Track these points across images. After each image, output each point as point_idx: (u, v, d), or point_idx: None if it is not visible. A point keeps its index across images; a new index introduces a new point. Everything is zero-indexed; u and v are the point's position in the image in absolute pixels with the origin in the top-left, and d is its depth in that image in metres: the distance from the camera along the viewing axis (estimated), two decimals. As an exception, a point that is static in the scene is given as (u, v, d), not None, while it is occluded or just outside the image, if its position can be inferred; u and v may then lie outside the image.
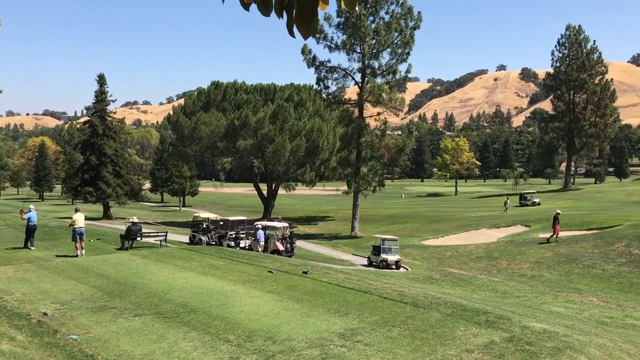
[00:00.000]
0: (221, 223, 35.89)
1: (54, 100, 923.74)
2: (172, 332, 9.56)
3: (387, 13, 44.01)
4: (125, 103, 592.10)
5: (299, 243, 35.65)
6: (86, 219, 21.42)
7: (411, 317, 10.32)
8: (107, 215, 62.13)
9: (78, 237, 19.50)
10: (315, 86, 48.90)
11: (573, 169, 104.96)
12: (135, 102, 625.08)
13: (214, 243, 32.45)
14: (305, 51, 45.13)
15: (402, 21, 43.51)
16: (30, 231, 21.41)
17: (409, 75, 46.93)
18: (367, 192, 48.00)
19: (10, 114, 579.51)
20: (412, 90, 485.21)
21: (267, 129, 54.23)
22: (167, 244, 23.24)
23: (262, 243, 30.14)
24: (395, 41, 43.97)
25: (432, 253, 34.84)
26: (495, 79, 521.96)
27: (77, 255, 19.26)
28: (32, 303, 11.78)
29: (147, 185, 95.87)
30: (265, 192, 63.44)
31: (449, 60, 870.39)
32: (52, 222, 33.52)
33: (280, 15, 2.49)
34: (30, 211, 21.41)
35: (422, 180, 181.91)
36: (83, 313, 11.00)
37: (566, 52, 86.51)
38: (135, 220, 23.50)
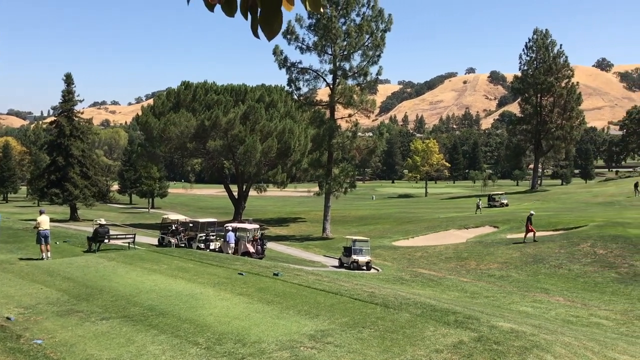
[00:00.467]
0: (191, 225, 35.56)
1: (19, 100, 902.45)
2: (140, 335, 9.42)
3: (358, 15, 44.26)
4: (93, 103, 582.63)
5: (270, 245, 35.54)
6: (52, 221, 21.04)
7: (381, 318, 10.36)
8: (74, 217, 61.06)
9: (43, 239, 19.13)
10: (287, 87, 48.85)
11: (540, 170, 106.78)
12: (104, 102, 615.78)
13: (183, 245, 32.16)
14: (276, 52, 45.07)
15: (373, 23, 43.80)
16: (-7, 234, 20.92)
17: (380, 77, 47.29)
18: (339, 193, 48.15)
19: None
20: (383, 92, 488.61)
21: (237, 129, 53.92)
22: (136, 246, 22.94)
23: (233, 245, 29.95)
24: (366, 43, 44.22)
25: (402, 254, 35.08)
26: (465, 82, 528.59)
27: (42, 258, 18.87)
28: (-5, 307, 11.50)
29: (116, 186, 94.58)
30: (235, 194, 63.06)
31: (420, 63, 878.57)
32: (17, 224, 32.79)
33: (245, 16, 2.46)
34: (-7, 213, 20.91)
35: (392, 182, 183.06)
36: (48, 317, 10.77)
37: (533, 55, 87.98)
38: (103, 222, 23.16)
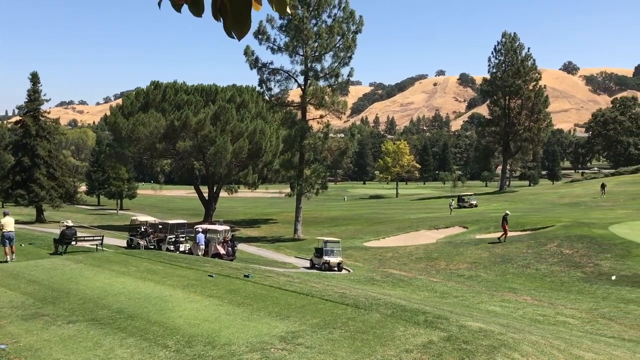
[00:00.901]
0: (160, 226, 35.17)
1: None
2: (108, 338, 9.27)
3: (329, 16, 44.35)
4: (60, 103, 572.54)
5: (241, 246, 35.36)
6: (18, 222, 20.63)
7: (352, 319, 10.38)
8: (40, 219, 59.84)
9: (7, 241, 18.73)
10: (258, 88, 48.71)
11: (508, 171, 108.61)
12: (71, 102, 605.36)
13: (152, 247, 31.81)
14: (248, 52, 44.89)
15: (344, 25, 43.94)
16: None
17: (351, 79, 47.46)
18: (310, 194, 48.17)
19: None
20: (355, 93, 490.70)
21: (208, 130, 53.47)
22: (104, 248, 22.61)
23: (203, 247, 29.72)
24: (338, 44, 44.34)
25: (373, 254, 35.25)
26: (435, 84, 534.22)
27: (6, 261, 18.46)
28: (-44, 312, 11.19)
29: (83, 187, 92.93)
30: (206, 195, 62.53)
31: (390, 65, 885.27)
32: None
33: (216, 17, 2.45)
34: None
35: (364, 183, 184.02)
36: (13, 321, 10.53)
37: (502, 58, 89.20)
38: (70, 223, 22.77)
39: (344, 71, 45.37)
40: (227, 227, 34.56)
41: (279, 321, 10.30)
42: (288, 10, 2.50)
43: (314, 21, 44.27)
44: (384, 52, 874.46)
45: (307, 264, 32.07)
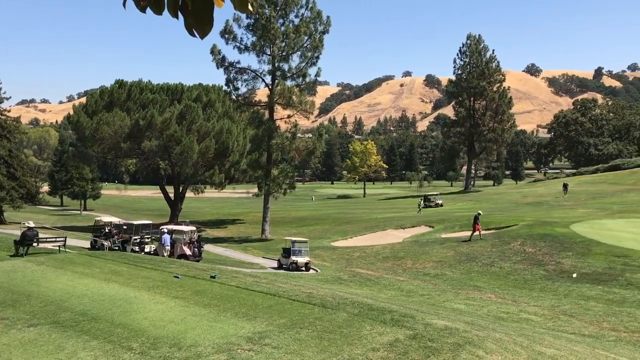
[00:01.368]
0: (125, 227, 34.67)
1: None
2: (70, 342, 9.09)
3: (297, 16, 44.31)
4: (22, 101, 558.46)
5: (207, 247, 35.08)
6: (-25, 224, 20.05)
7: (319, 318, 10.40)
8: (0, 220, 58.32)
9: (-35, 243, 18.19)
10: (225, 87, 48.37)
11: (473, 171, 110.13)
12: (33, 100, 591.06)
13: (117, 248, 31.37)
14: (214, 51, 44.53)
15: (312, 25, 43.96)
16: None
17: (319, 79, 47.53)
18: (278, 194, 48.04)
19: None
20: (322, 93, 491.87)
21: (173, 129, 52.85)
22: (66, 250, 22.19)
23: (168, 248, 29.40)
24: (305, 44, 44.34)
25: (341, 254, 35.36)
26: (402, 85, 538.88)
27: (-36, 264, 17.92)
28: None
29: (45, 188, 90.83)
30: (172, 195, 61.81)
31: (358, 66, 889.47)
32: (-64, 228, 31.02)
33: (176, 15, 2.41)
34: None
35: (332, 183, 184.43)
36: (-30, 325, 10.23)
37: (467, 60, 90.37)
38: (32, 224, 22.27)
39: (312, 71, 45.46)
40: (194, 228, 34.26)
41: (245, 322, 10.26)
42: (250, 8, 2.47)
43: (281, 21, 44.18)
44: (352, 53, 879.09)
45: (275, 264, 31.99)
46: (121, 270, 16.62)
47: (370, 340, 8.85)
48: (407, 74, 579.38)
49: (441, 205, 65.48)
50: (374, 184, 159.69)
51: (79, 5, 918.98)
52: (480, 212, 35.84)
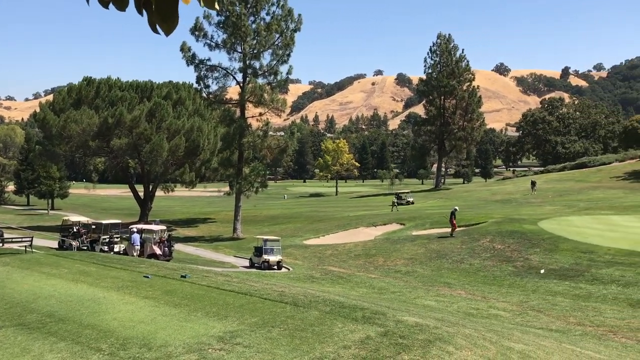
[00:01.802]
0: (93, 227, 34.17)
1: None
2: (37, 343, 8.91)
3: (268, 14, 44.22)
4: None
5: (178, 246, 34.75)
6: (-63, 224, 19.52)
7: (291, 317, 10.39)
8: (-37, 220, 56.88)
9: None
10: (196, 85, 47.98)
11: (443, 170, 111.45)
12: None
13: (85, 248, 30.95)
14: (184, 49, 44.13)
15: (283, 23, 43.89)
16: None
17: (291, 77, 47.50)
18: (250, 193, 47.86)
19: None
20: (294, 92, 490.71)
21: (143, 127, 52.16)
22: (33, 250, 21.77)
23: (138, 247, 29.09)
24: (276, 42, 44.24)
25: (313, 252, 35.40)
26: (373, 84, 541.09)
27: None
28: None
29: (11, 187, 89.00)
30: (141, 194, 61.02)
31: (330, 64, 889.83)
32: None
33: (140, 11, 2.37)
34: None
35: (304, 181, 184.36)
36: None
37: (437, 59, 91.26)
38: (-4, 225, 21.79)
39: (283, 69, 45.43)
40: (164, 227, 33.97)
41: (216, 321, 10.19)
42: (216, 6, 2.44)
43: (252, 18, 44.01)
44: (324, 51, 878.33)
45: (247, 263, 31.87)
46: (90, 270, 16.36)
47: (342, 338, 8.88)
48: (379, 72, 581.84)
49: (412, 203, 66.03)
50: (346, 182, 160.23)
51: (43, 1, 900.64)
52: (456, 207, 36.32)
